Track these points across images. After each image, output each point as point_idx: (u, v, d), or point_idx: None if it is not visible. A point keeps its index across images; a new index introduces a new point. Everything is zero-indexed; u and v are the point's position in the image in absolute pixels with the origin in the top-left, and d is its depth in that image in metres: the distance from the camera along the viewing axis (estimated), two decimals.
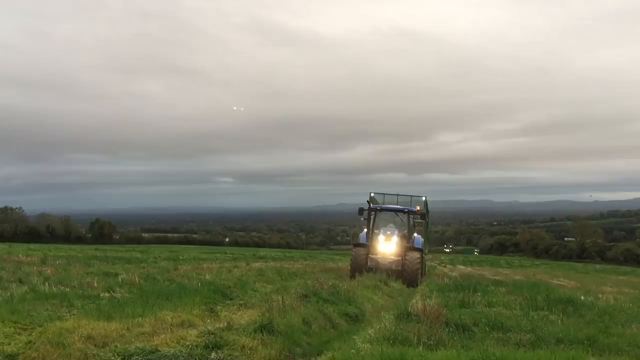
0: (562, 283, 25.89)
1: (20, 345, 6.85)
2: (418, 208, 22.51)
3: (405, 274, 20.41)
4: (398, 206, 23.22)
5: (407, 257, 20.87)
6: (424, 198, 23.50)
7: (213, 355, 6.40)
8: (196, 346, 6.65)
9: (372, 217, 22.55)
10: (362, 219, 22.64)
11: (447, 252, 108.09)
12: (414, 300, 11.61)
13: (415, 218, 23.03)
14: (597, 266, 69.93)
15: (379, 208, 22.67)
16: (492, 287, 16.14)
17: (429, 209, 25.16)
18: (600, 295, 16.52)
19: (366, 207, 22.59)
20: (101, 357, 6.25)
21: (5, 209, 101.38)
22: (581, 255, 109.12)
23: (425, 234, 24.43)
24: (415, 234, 22.75)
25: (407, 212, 22.62)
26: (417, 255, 20.98)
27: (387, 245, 21.39)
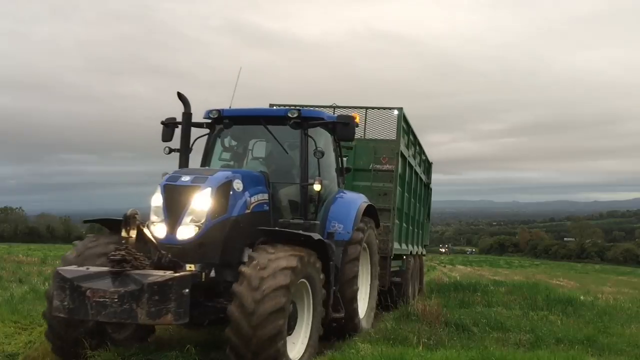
0: (561, 283, 25.93)
1: (20, 345, 6.87)
2: (357, 118, 7.79)
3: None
4: (276, 110, 9.23)
5: (246, 271, 5.47)
6: (395, 112, 10.81)
7: (213, 354, 6.41)
8: (196, 345, 6.65)
9: (208, 145, 7.85)
10: (165, 151, 7.44)
11: (442, 252, 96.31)
12: (413, 301, 11.63)
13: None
14: (597, 266, 70.02)
15: (213, 115, 7.56)
16: (491, 287, 16.14)
17: (418, 139, 12.99)
18: (600, 296, 16.55)
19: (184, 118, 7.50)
20: (101, 357, 6.26)
21: (5, 209, 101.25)
22: (581, 255, 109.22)
23: (411, 200, 12.46)
24: (344, 192, 8.40)
25: (300, 120, 7.18)
26: (281, 268, 5.47)
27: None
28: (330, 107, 10.66)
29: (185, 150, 7.38)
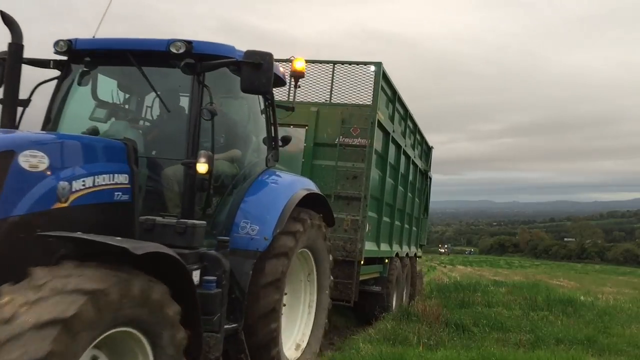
0: (561, 283, 25.94)
1: None
2: (300, 66, 5.60)
3: None
4: (154, 41, 4.69)
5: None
6: (372, 68, 8.48)
7: None
8: None
9: (57, 95, 5.02)
10: None
11: (442, 253, 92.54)
12: (414, 301, 11.65)
13: (270, 104, 5.57)
14: (597, 267, 70.08)
15: (61, 47, 4.81)
16: (491, 288, 16.14)
17: (410, 113, 10.82)
18: (600, 296, 16.56)
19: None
20: None
21: None
22: (581, 255, 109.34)
23: (399, 189, 10.48)
24: (274, 173, 5.53)
25: (193, 59, 4.52)
26: (67, 291, 2.87)
27: None
28: (287, 61, 7.12)
29: (10, 99, 4.60)
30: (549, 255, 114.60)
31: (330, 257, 5.99)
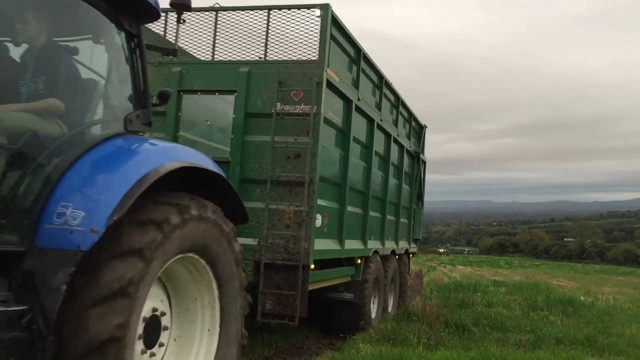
0: (561, 283, 25.91)
1: None
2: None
3: None
4: None
5: None
6: (317, 12, 6.31)
7: None
8: None
9: None
10: None
11: (441, 253, 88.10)
12: (414, 301, 11.65)
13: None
14: (597, 267, 70.03)
15: None
16: (491, 288, 16.14)
17: (386, 78, 9.00)
18: (600, 296, 16.55)
19: None
20: None
21: None
22: (581, 255, 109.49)
23: (374, 172, 8.57)
24: (138, 140, 3.61)
25: None
26: None
27: None
28: (211, 9, 6.71)
29: None
30: (549, 255, 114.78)
31: (232, 255, 3.78)
